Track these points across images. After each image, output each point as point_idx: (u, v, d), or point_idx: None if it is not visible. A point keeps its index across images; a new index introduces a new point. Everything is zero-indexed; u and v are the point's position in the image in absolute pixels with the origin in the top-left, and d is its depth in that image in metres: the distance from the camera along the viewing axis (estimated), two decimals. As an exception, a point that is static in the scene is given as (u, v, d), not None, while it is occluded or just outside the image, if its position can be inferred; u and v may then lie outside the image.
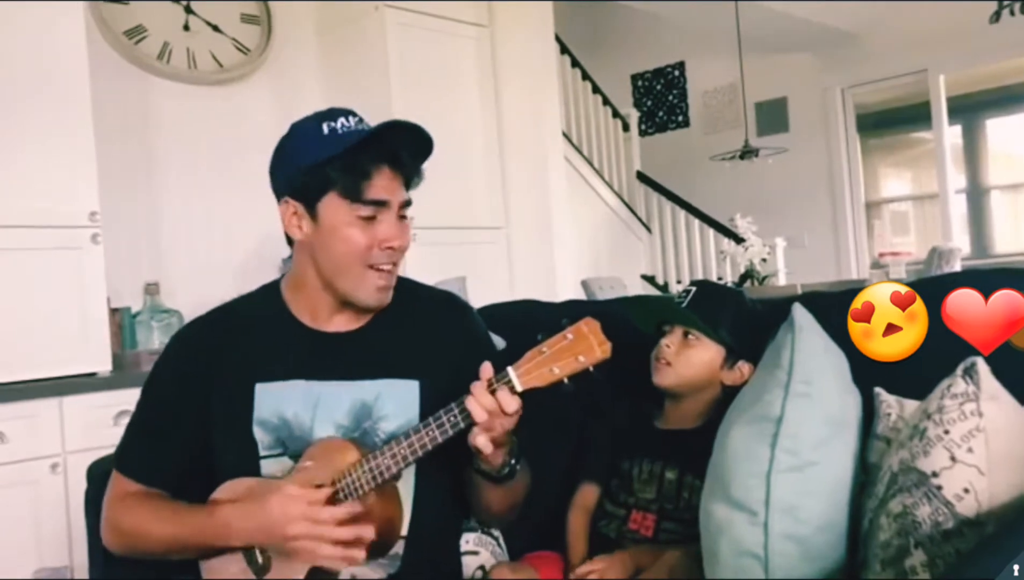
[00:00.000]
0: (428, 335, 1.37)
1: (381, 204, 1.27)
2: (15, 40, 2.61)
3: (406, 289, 1.40)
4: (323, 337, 1.35)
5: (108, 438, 2.25)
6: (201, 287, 3.20)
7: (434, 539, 1.35)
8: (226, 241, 3.49)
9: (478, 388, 1.17)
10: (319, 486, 1.22)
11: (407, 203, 1.31)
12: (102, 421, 2.57)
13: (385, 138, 1.27)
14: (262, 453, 1.32)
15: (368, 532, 1.20)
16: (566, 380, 1.16)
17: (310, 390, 1.32)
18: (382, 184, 1.27)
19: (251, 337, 1.36)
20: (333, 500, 1.22)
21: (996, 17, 5.58)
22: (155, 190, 3.37)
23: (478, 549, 1.52)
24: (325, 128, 1.27)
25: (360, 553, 1.20)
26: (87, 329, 2.68)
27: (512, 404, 1.16)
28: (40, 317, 2.60)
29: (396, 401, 1.31)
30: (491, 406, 1.16)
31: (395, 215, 1.29)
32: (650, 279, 6.23)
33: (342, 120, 1.28)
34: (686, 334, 1.49)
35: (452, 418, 1.19)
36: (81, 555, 1.78)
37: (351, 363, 1.32)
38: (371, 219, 1.27)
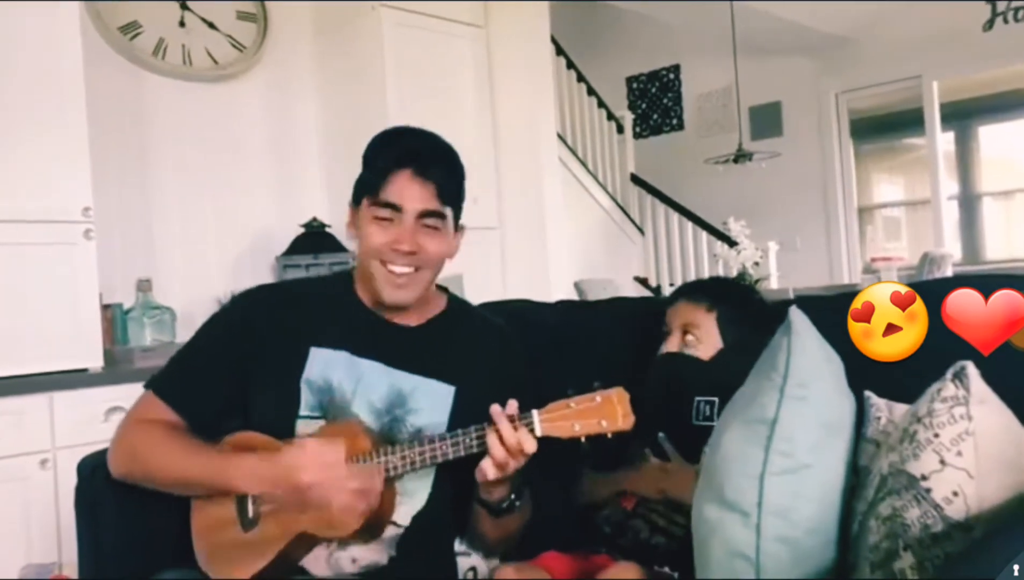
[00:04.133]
0: (472, 352, 1.45)
1: (393, 207, 1.33)
2: (10, 35, 2.60)
3: (465, 311, 1.51)
4: (380, 321, 1.42)
5: (99, 434, 2.24)
6: (194, 284, 3.20)
7: (433, 533, 1.41)
8: (220, 238, 3.46)
9: (504, 424, 1.22)
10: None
11: (434, 214, 1.35)
12: (93, 417, 2.56)
13: (401, 141, 1.36)
14: (302, 412, 1.36)
15: (376, 490, 1.25)
16: (583, 439, 1.22)
17: (355, 364, 1.38)
18: (399, 187, 1.33)
19: (316, 307, 1.44)
20: None
21: (990, 24, 5.61)
22: (149, 186, 3.35)
23: (470, 551, 1.53)
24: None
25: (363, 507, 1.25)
26: (79, 325, 2.67)
27: (531, 446, 1.21)
28: (32, 312, 2.59)
29: (431, 399, 1.38)
30: (512, 443, 1.22)
31: (411, 220, 1.34)
32: (643, 281, 6.24)
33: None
34: (685, 333, 1.52)
35: (468, 441, 1.25)
36: (70, 552, 1.77)
37: (397, 352, 1.40)
38: (388, 221, 1.34)
